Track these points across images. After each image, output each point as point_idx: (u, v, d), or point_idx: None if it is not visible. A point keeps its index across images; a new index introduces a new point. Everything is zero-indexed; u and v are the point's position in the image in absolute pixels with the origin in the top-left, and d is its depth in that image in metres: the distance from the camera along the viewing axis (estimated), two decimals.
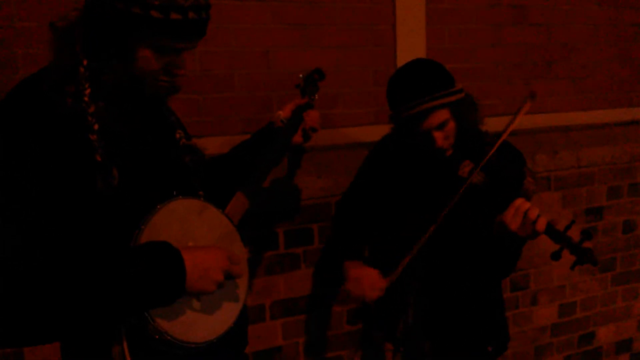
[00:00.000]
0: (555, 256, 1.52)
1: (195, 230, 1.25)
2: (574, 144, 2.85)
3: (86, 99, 1.13)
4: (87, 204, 1.10)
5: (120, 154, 1.16)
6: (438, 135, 1.64)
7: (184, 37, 1.14)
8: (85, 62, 1.14)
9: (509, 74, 2.76)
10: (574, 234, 1.51)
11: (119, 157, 1.15)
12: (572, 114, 2.91)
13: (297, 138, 1.77)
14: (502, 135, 1.64)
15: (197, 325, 1.22)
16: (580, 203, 2.90)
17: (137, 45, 1.13)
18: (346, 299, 1.78)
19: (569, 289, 2.97)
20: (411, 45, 2.50)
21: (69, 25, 1.16)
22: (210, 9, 1.18)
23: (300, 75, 1.87)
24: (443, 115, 1.63)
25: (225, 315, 1.29)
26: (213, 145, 2.09)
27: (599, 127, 2.95)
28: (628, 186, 3.03)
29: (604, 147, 2.91)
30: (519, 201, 1.53)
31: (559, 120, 2.87)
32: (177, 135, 1.36)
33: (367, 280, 1.69)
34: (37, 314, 1.03)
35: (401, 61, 2.47)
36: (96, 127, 1.12)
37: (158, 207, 1.18)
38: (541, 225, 1.51)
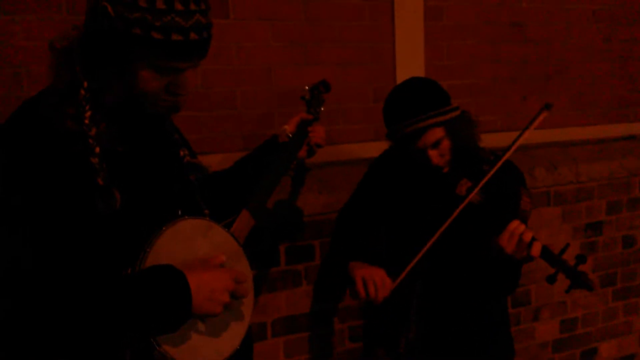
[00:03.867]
0: (551, 280, 1.53)
1: (201, 250, 1.24)
2: (572, 159, 2.87)
3: (87, 121, 1.11)
4: (89, 227, 1.09)
5: (122, 175, 1.14)
6: (433, 153, 1.66)
7: (185, 58, 1.13)
8: (85, 84, 1.12)
9: (507, 90, 2.78)
10: (569, 257, 1.53)
11: (121, 178, 1.13)
12: (570, 129, 2.93)
13: (302, 153, 1.77)
14: (505, 155, 1.64)
15: (203, 348, 1.20)
16: (579, 218, 2.91)
17: (138, 66, 1.11)
18: (354, 298, 1.70)
19: (570, 305, 2.96)
20: (410, 62, 2.52)
21: (69, 45, 1.14)
22: (212, 28, 1.17)
23: (306, 88, 1.87)
24: (437, 133, 1.64)
25: (231, 337, 1.27)
26: (212, 161, 2.10)
27: (598, 143, 2.97)
28: (627, 201, 3.03)
29: (602, 162, 2.92)
30: (514, 224, 1.54)
31: (558, 135, 2.89)
32: (182, 153, 1.35)
33: (375, 279, 1.63)
34: (39, 338, 1.02)
35: (400, 78, 2.49)
36: (97, 150, 1.11)
37: (164, 228, 1.17)
38: (536, 250, 1.52)
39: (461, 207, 1.60)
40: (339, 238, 2.00)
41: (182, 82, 1.17)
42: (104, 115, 1.15)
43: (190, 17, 1.09)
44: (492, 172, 1.62)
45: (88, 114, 1.11)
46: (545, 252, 1.53)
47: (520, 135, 1.66)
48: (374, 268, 1.67)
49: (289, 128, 1.75)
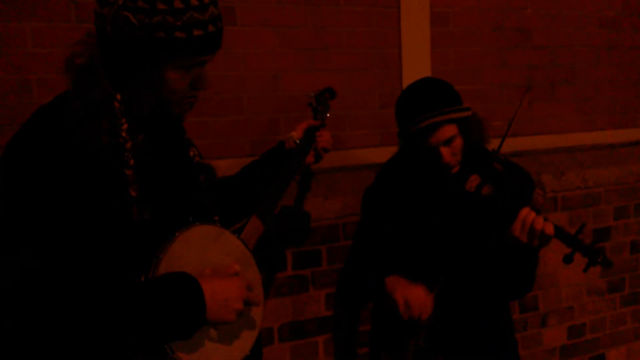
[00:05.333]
0: (568, 259, 1.52)
1: (212, 256, 1.25)
2: (579, 164, 2.86)
3: (124, 134, 1.12)
4: (106, 235, 1.09)
5: (149, 183, 1.15)
6: (445, 150, 1.66)
7: (206, 50, 1.15)
8: (118, 97, 1.13)
9: (513, 96, 2.78)
10: (585, 237, 1.53)
11: (148, 187, 1.14)
12: (577, 134, 2.92)
13: (309, 158, 1.78)
14: (506, 133, 1.67)
15: (216, 355, 1.21)
16: (587, 224, 2.89)
17: (164, 69, 1.12)
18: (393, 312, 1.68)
19: (578, 311, 2.95)
20: (416, 67, 2.53)
21: (90, 60, 1.14)
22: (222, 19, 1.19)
23: (312, 94, 1.88)
24: (451, 130, 1.65)
25: (242, 343, 1.28)
26: (220, 167, 2.10)
27: (604, 148, 2.96)
28: (634, 206, 3.02)
29: (609, 167, 2.92)
30: (525, 212, 1.55)
31: (564, 141, 2.89)
32: (191, 153, 1.36)
33: (417, 301, 1.62)
34: (53, 343, 1.02)
35: (407, 83, 2.48)
36: (132, 162, 1.12)
37: (176, 234, 1.17)
38: (549, 228, 1.52)
39: (475, 202, 1.61)
40: (361, 252, 1.97)
41: (205, 76, 1.20)
42: (140, 126, 1.16)
43: (206, 10, 1.11)
44: (502, 141, 1.64)
45: (124, 126, 1.12)
46: (560, 232, 1.53)
47: (514, 117, 1.70)
48: (413, 287, 1.65)
49: (296, 134, 1.76)
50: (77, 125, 1.10)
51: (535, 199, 1.63)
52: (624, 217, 3.00)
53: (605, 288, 3.00)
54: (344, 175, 2.42)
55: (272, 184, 1.59)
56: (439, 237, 1.66)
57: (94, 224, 1.07)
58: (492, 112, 2.72)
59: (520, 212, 1.55)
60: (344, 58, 2.42)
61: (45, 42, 1.93)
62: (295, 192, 2.30)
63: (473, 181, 1.65)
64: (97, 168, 1.09)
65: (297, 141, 1.73)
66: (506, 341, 1.86)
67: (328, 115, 1.88)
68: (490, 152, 1.77)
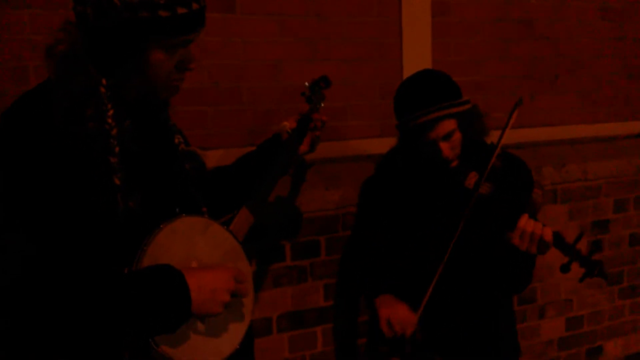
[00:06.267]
0: (565, 269, 1.52)
1: (199, 249, 1.22)
2: (580, 156, 2.85)
3: (109, 120, 1.10)
4: (94, 226, 1.07)
5: (134, 173, 1.13)
6: (444, 145, 1.65)
7: (191, 29, 1.13)
8: (104, 81, 1.10)
9: (515, 87, 2.76)
10: (583, 246, 1.52)
11: (134, 176, 1.12)
12: (578, 126, 2.91)
13: (304, 147, 1.77)
14: (499, 142, 1.64)
15: (203, 348, 1.19)
16: (586, 216, 2.90)
17: (149, 50, 1.10)
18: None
19: (576, 303, 2.95)
20: (417, 58, 2.51)
21: (72, 48, 1.11)
22: None
23: (306, 84, 1.87)
24: (450, 125, 1.64)
25: (231, 336, 1.26)
26: (217, 156, 2.10)
27: (606, 140, 2.95)
28: (634, 199, 3.02)
29: (610, 160, 2.91)
30: (523, 221, 1.54)
31: (566, 133, 2.87)
32: (176, 141, 1.33)
33: (398, 320, 1.68)
34: (40, 338, 1.02)
35: (407, 74, 2.46)
36: (117, 149, 1.10)
37: (161, 226, 1.15)
38: (548, 235, 1.52)
39: (473, 200, 1.59)
40: (358, 244, 1.99)
41: (190, 56, 1.19)
42: (127, 112, 1.14)
43: None
44: (494, 156, 1.61)
45: (110, 112, 1.10)
46: (558, 240, 1.52)
47: (504, 130, 1.66)
48: (397, 306, 1.70)
49: (289, 124, 1.75)
50: (61, 112, 1.08)
51: (534, 199, 1.62)
52: (623, 209, 2.99)
53: (604, 280, 3.00)
54: (344, 166, 2.41)
55: (266, 175, 1.58)
56: (436, 232, 1.66)
57: (79, 213, 1.06)
58: (494, 104, 2.71)
59: (519, 220, 1.54)
60: (345, 48, 2.40)
61: (43, 29, 1.91)
62: (294, 183, 2.29)
63: (472, 178, 1.64)
64: (81, 156, 1.07)
65: (289, 131, 1.73)
66: (506, 334, 1.86)
67: (323, 104, 1.86)
68: (490, 145, 1.75)
